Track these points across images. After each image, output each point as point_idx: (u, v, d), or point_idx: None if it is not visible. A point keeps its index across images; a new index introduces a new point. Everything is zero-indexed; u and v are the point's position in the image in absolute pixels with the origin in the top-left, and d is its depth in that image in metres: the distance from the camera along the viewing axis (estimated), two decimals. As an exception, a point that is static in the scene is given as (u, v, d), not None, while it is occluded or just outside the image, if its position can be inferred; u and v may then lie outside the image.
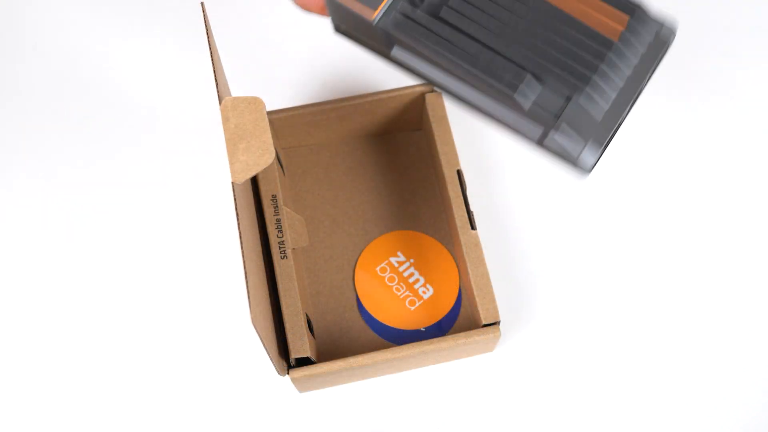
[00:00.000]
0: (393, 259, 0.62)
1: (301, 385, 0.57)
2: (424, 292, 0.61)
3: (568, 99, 0.44)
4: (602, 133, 0.44)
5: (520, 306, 0.62)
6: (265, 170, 0.59)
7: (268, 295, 0.55)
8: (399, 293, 0.61)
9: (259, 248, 0.55)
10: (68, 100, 0.68)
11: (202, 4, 0.47)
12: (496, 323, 0.56)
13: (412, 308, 0.61)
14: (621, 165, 0.66)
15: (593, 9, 0.45)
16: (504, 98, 0.44)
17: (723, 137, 0.67)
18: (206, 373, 0.61)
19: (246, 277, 0.45)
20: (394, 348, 0.55)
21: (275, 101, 0.68)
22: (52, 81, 0.69)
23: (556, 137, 0.44)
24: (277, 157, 0.62)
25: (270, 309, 0.55)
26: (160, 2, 0.71)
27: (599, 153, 0.45)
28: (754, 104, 0.68)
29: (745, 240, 0.64)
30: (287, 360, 0.55)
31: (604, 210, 0.65)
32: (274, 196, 0.59)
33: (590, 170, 0.45)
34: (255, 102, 0.44)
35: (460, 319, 0.61)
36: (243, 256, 0.45)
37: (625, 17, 0.45)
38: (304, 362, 0.56)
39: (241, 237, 0.45)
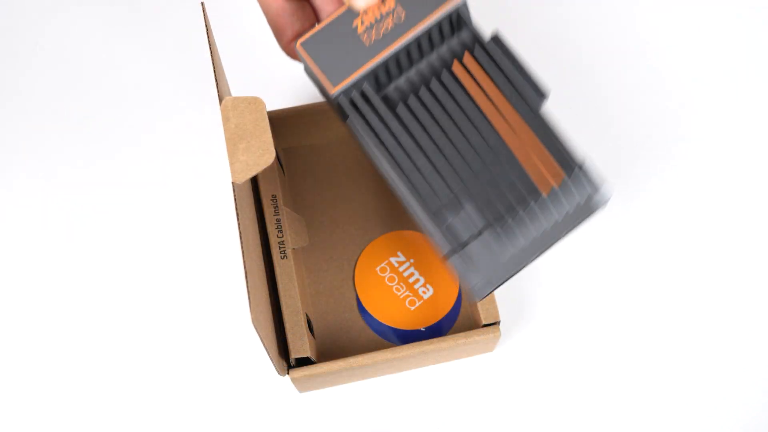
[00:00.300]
0: (393, 259, 0.62)
1: (301, 385, 0.57)
2: (424, 292, 0.61)
3: (480, 232, 0.45)
4: (500, 274, 0.45)
5: (520, 306, 0.62)
6: (265, 170, 0.59)
7: (268, 295, 0.55)
8: (399, 293, 0.61)
9: (259, 248, 0.55)
10: (68, 100, 0.68)
11: (202, 4, 0.47)
12: (496, 323, 0.56)
13: (412, 308, 0.61)
14: (621, 165, 0.66)
15: (537, 156, 0.45)
16: (425, 208, 0.45)
17: (723, 138, 0.67)
18: (206, 373, 0.61)
19: (246, 277, 0.45)
20: (394, 348, 0.55)
21: (275, 101, 0.68)
22: (52, 81, 0.69)
23: (457, 262, 0.45)
24: (277, 157, 0.62)
25: (270, 309, 0.54)
26: (161, 2, 0.71)
27: (490, 290, 0.46)
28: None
29: (744, 240, 0.64)
30: (287, 360, 0.55)
31: (605, 210, 0.65)
32: (274, 196, 0.59)
33: (480, 299, 0.46)
34: (255, 102, 0.44)
35: (460, 319, 0.61)
36: (243, 256, 0.45)
37: (562, 174, 0.45)
38: (304, 362, 0.55)
39: (241, 237, 0.45)
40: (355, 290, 0.61)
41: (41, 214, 0.65)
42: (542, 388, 0.61)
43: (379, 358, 0.55)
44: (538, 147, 0.45)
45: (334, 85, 0.46)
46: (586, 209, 0.45)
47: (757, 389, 0.60)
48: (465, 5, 0.46)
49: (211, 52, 0.48)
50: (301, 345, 0.55)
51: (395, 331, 0.60)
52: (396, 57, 0.46)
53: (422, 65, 0.47)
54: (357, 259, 0.62)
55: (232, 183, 0.44)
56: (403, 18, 0.46)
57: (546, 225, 0.45)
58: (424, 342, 0.55)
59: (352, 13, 0.46)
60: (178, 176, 0.66)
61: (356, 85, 0.46)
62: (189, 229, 0.64)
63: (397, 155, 0.46)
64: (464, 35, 0.47)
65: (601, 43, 0.70)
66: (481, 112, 0.46)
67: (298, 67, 0.69)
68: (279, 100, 0.68)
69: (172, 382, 0.61)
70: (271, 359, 0.50)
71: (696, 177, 0.66)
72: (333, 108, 0.48)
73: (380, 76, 0.47)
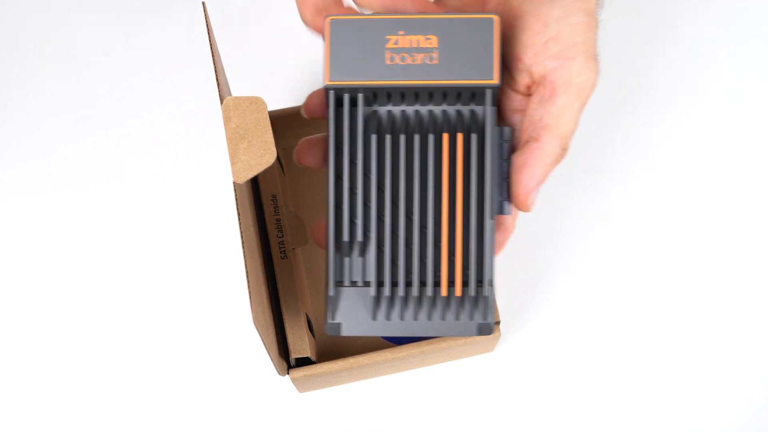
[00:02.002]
0: (393, 259, 0.62)
1: (301, 385, 0.57)
2: (424, 292, 0.61)
3: (365, 284, 0.45)
4: (360, 328, 0.46)
5: (520, 306, 0.62)
6: (265, 170, 0.59)
7: (268, 295, 0.55)
8: (399, 293, 0.61)
9: (259, 248, 0.55)
10: (68, 100, 0.68)
11: (203, 3, 0.47)
12: (496, 323, 0.56)
13: (412, 308, 0.61)
14: (620, 165, 0.66)
15: (459, 256, 0.45)
16: (334, 233, 0.45)
17: (719, 138, 0.68)
18: (206, 373, 0.61)
19: (247, 276, 0.45)
20: (394, 348, 0.55)
21: (275, 101, 0.68)
22: (52, 80, 0.69)
23: (330, 296, 0.45)
24: (277, 157, 0.62)
25: (270, 309, 0.54)
26: (161, 2, 0.71)
27: (343, 334, 0.46)
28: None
29: (745, 240, 0.64)
30: (287, 360, 0.55)
31: (605, 210, 0.65)
32: (274, 196, 0.59)
33: (330, 334, 0.46)
34: (257, 102, 0.44)
35: (460, 319, 0.61)
36: (245, 256, 0.45)
37: (470, 287, 0.44)
38: (304, 362, 0.55)
39: (242, 237, 0.45)
40: (355, 290, 0.61)
41: (42, 214, 0.65)
42: (542, 388, 0.61)
43: (379, 358, 0.55)
44: (467, 250, 0.45)
45: (332, 78, 0.44)
46: (465, 329, 0.45)
47: (758, 389, 0.60)
48: (498, 87, 0.43)
49: (212, 52, 0.47)
50: (301, 345, 0.55)
51: (395, 331, 0.60)
52: (404, 90, 0.45)
53: (423, 111, 0.46)
54: (357, 259, 0.62)
55: (233, 183, 0.44)
56: (434, 62, 0.44)
57: (423, 317, 0.45)
58: (424, 342, 0.55)
59: (392, 23, 0.44)
60: (179, 176, 0.66)
61: (353, 89, 0.45)
62: (189, 229, 0.64)
63: (342, 171, 0.45)
64: (477, 110, 0.45)
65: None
66: (439, 188, 0.45)
67: (298, 67, 0.69)
68: (279, 100, 0.68)
69: (172, 382, 0.61)
70: (272, 359, 0.50)
71: (696, 176, 0.66)
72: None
73: (379, 96, 0.45)
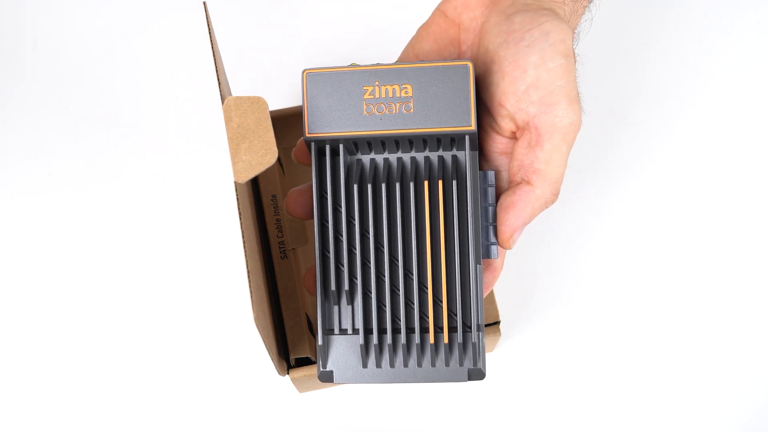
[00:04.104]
0: (393, 260, 0.62)
1: (301, 385, 0.57)
2: (424, 293, 0.61)
3: (354, 331, 0.46)
4: (351, 376, 0.46)
5: (520, 306, 0.62)
6: (265, 170, 0.59)
7: (268, 295, 0.55)
8: (399, 293, 0.61)
9: (259, 248, 0.55)
10: (68, 100, 0.68)
11: (204, 3, 0.47)
12: (496, 323, 0.56)
13: (412, 308, 0.61)
14: (620, 165, 0.67)
15: (447, 301, 0.45)
16: (320, 281, 0.46)
17: (720, 138, 0.68)
18: (206, 373, 0.61)
19: (248, 277, 0.45)
20: (394, 348, 0.55)
21: (275, 101, 0.68)
22: (52, 80, 0.69)
23: (321, 344, 0.46)
24: (278, 157, 0.62)
25: (270, 309, 0.54)
26: (162, 2, 0.71)
27: (334, 382, 0.46)
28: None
29: (746, 240, 0.64)
30: (287, 360, 0.55)
31: (605, 210, 0.65)
32: (274, 196, 0.59)
33: (322, 381, 0.46)
34: (258, 101, 0.44)
35: (460, 320, 0.61)
36: (246, 256, 0.45)
37: (457, 331, 0.44)
38: (304, 362, 0.55)
39: (243, 237, 0.45)
40: (355, 290, 0.61)
41: (42, 213, 0.65)
42: (542, 388, 0.61)
43: (380, 358, 0.55)
44: (452, 295, 0.45)
45: (311, 131, 0.45)
46: (456, 374, 0.45)
47: (758, 389, 0.60)
48: (475, 133, 0.44)
49: (213, 52, 0.47)
50: (301, 345, 0.55)
51: (395, 331, 0.60)
52: (383, 139, 0.45)
53: (405, 157, 0.46)
54: (357, 259, 0.62)
55: (234, 183, 0.44)
56: (411, 111, 0.44)
57: (413, 364, 0.45)
58: (424, 342, 0.55)
59: (368, 75, 0.45)
60: (179, 176, 0.66)
61: (333, 141, 0.45)
62: (189, 229, 0.64)
63: (327, 219, 0.46)
64: (459, 156, 0.45)
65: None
66: (423, 234, 0.45)
67: (298, 67, 0.69)
68: (279, 100, 0.68)
69: (172, 382, 0.60)
70: (272, 359, 0.50)
71: (697, 176, 0.66)
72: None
73: (360, 145, 0.46)
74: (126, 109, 0.68)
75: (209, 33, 0.48)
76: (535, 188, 0.43)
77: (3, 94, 0.68)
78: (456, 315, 0.45)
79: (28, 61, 0.69)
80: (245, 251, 0.45)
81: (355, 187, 0.46)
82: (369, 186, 0.46)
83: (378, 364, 0.45)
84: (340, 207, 0.46)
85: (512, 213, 0.44)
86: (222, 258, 0.63)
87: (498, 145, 0.45)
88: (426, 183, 0.45)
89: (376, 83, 0.45)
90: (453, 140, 0.45)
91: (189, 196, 0.65)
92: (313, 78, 0.45)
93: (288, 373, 0.55)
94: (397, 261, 0.45)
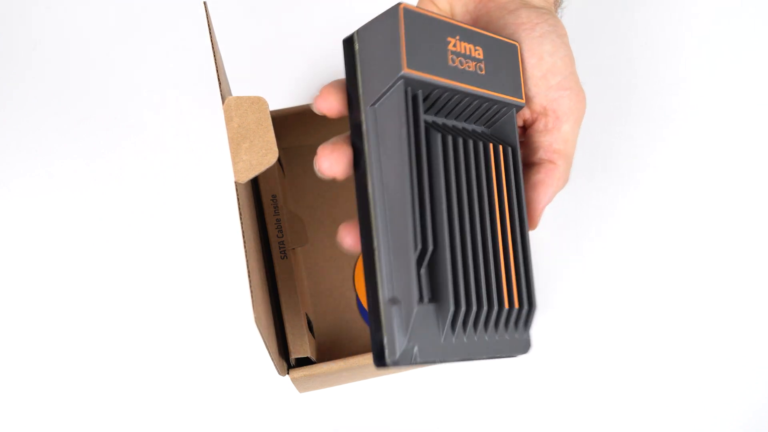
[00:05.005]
0: (393, 260, 0.62)
1: (301, 385, 0.57)
2: (424, 293, 0.61)
3: (431, 300, 0.39)
4: (431, 353, 0.39)
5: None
6: (265, 170, 0.59)
7: (268, 295, 0.55)
8: (399, 293, 0.61)
9: (259, 248, 0.55)
10: (68, 100, 0.68)
11: (204, 3, 0.47)
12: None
13: (412, 308, 0.61)
14: (620, 165, 0.67)
15: (514, 273, 0.44)
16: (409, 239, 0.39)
17: (720, 138, 0.68)
18: (206, 373, 0.61)
19: (249, 276, 0.45)
20: (394, 348, 0.55)
21: (276, 101, 0.68)
22: (53, 80, 0.69)
23: (395, 313, 0.38)
24: (278, 157, 0.62)
25: (270, 309, 0.54)
26: (162, 1, 0.71)
27: (410, 363, 0.39)
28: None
29: (746, 240, 0.64)
30: (287, 360, 0.55)
31: (606, 210, 0.65)
32: (274, 196, 0.59)
33: (380, 365, 0.39)
34: (258, 101, 0.44)
35: (459, 320, 0.61)
36: (246, 256, 0.45)
37: (521, 304, 0.43)
38: (304, 362, 0.55)
39: (244, 237, 0.45)
40: (355, 290, 0.61)
41: (43, 213, 0.65)
42: (542, 388, 0.61)
43: (380, 358, 0.55)
44: (519, 267, 0.44)
45: (410, 67, 0.40)
46: (519, 346, 0.43)
47: (758, 389, 0.61)
48: (515, 111, 0.44)
49: (214, 52, 0.47)
50: (301, 345, 0.55)
51: (395, 331, 0.60)
52: (462, 96, 0.43)
53: (477, 125, 0.46)
54: (357, 259, 0.62)
55: (235, 183, 0.44)
56: (482, 72, 0.44)
57: (489, 337, 0.42)
58: (424, 342, 0.55)
59: (451, 27, 0.42)
60: (179, 176, 0.66)
61: (426, 84, 0.41)
62: (189, 229, 0.64)
63: (422, 168, 0.40)
64: (487, 132, 0.46)
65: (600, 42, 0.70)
66: (493, 200, 0.43)
67: (298, 67, 0.69)
68: (279, 100, 0.68)
69: (172, 382, 0.61)
70: (272, 359, 0.50)
71: (697, 176, 0.66)
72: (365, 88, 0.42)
73: (444, 100, 0.43)
74: (126, 109, 0.68)
75: (209, 33, 0.48)
76: (559, 166, 0.46)
77: (3, 94, 0.68)
78: (523, 288, 0.44)
79: (28, 61, 0.69)
80: (246, 251, 0.45)
81: (442, 138, 0.41)
82: (450, 138, 0.42)
83: (457, 338, 0.40)
84: (422, 159, 0.40)
85: (541, 190, 0.45)
86: (222, 258, 0.63)
87: None
88: (491, 146, 0.44)
89: (458, 38, 0.43)
90: (493, 116, 0.45)
91: (189, 196, 0.65)
92: (409, 14, 0.41)
93: (288, 373, 0.55)
94: (476, 227, 0.42)
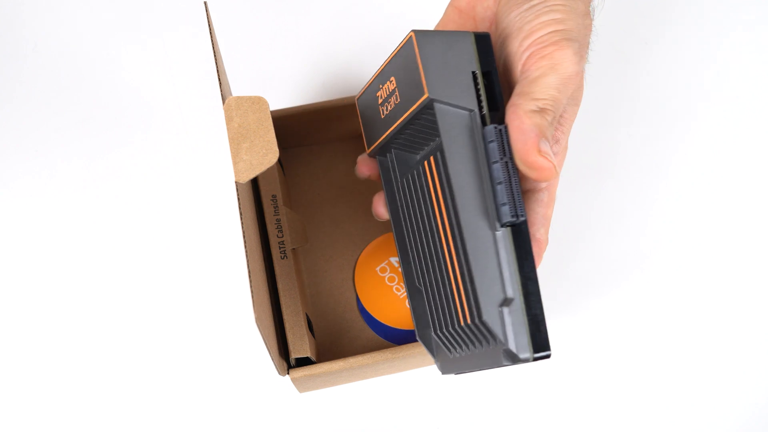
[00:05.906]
0: (393, 259, 0.62)
1: (301, 385, 0.57)
2: (424, 293, 0.61)
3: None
4: (449, 367, 0.49)
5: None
6: (265, 170, 0.59)
7: (268, 295, 0.55)
8: (399, 293, 0.61)
9: (259, 248, 0.55)
10: (69, 100, 0.68)
11: (205, 3, 0.47)
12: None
13: (412, 308, 0.61)
14: (621, 165, 0.67)
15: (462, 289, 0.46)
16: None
17: (720, 138, 0.68)
18: (206, 373, 0.61)
19: (249, 277, 0.45)
20: (394, 348, 0.55)
21: (275, 101, 0.68)
22: (53, 80, 0.69)
23: (433, 336, 0.50)
24: (278, 157, 0.62)
25: (270, 309, 0.54)
26: (162, 1, 0.71)
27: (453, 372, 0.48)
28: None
29: (747, 241, 0.64)
30: (287, 360, 0.55)
31: (606, 210, 0.65)
32: (274, 196, 0.59)
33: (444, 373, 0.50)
34: (259, 101, 0.44)
35: (459, 320, 0.61)
36: (247, 256, 0.45)
37: (473, 314, 0.44)
38: (304, 362, 0.55)
39: (244, 237, 0.45)
40: (355, 290, 0.61)
41: (43, 213, 0.65)
42: (542, 388, 0.61)
43: (379, 358, 0.55)
44: (464, 282, 0.43)
45: (368, 146, 0.50)
46: (512, 355, 0.42)
47: (758, 389, 0.61)
48: (431, 101, 0.42)
49: (214, 52, 0.48)
50: (301, 345, 0.55)
51: (395, 331, 0.60)
52: (397, 136, 0.47)
53: (421, 150, 0.48)
54: (357, 259, 0.62)
55: (236, 183, 0.44)
56: (398, 101, 0.45)
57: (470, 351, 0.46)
58: (424, 342, 0.55)
59: (376, 82, 0.48)
60: (179, 176, 0.66)
61: (381, 148, 0.49)
62: (189, 229, 0.64)
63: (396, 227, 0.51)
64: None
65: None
66: (436, 226, 0.46)
67: (298, 67, 0.69)
68: (279, 100, 0.68)
69: (172, 382, 0.61)
70: (272, 359, 0.50)
71: (697, 176, 0.66)
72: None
73: (393, 147, 0.49)
74: (126, 109, 0.68)
75: (210, 33, 0.48)
76: (521, 104, 0.42)
77: (3, 94, 0.68)
78: (472, 304, 0.43)
79: (28, 61, 0.69)
80: (246, 251, 0.45)
81: (395, 185, 0.50)
82: (404, 180, 0.49)
83: (467, 352, 0.46)
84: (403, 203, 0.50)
85: (514, 128, 0.42)
86: (223, 258, 0.63)
87: None
88: (431, 161, 0.45)
89: (380, 86, 0.47)
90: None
91: (190, 196, 0.65)
92: (361, 101, 0.51)
93: (288, 373, 0.55)
94: (433, 253, 0.47)
